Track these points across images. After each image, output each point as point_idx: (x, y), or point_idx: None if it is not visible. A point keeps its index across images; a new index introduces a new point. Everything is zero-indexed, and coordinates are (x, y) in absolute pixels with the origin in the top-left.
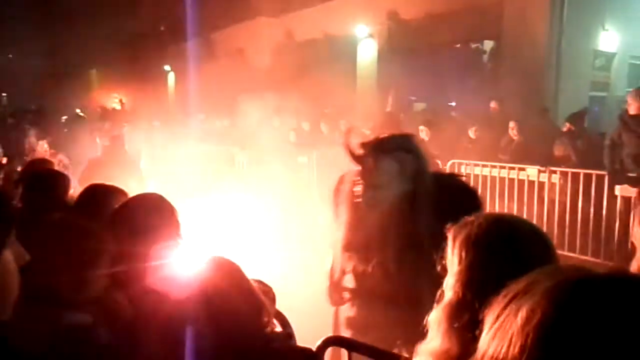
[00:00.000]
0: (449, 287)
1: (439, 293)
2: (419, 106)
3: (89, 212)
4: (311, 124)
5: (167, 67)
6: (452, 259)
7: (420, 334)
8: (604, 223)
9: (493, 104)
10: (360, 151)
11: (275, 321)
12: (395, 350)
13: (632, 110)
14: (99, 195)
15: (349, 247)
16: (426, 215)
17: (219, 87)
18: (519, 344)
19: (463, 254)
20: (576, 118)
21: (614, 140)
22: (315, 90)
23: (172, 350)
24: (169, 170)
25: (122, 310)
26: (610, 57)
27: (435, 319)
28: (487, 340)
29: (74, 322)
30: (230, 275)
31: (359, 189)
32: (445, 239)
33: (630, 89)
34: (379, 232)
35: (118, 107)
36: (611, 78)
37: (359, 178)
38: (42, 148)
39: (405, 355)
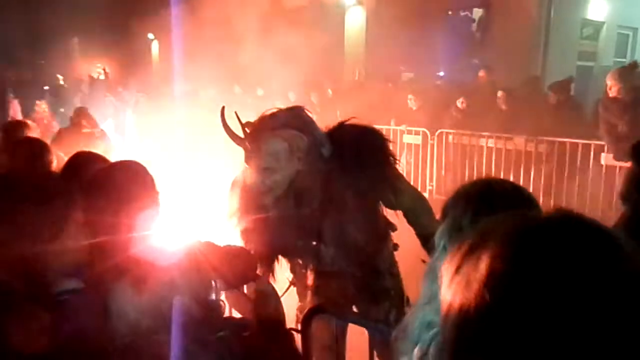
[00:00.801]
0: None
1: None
2: (407, 76)
3: (74, 180)
4: (297, 93)
5: (150, 36)
6: (441, 241)
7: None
8: (589, 192)
9: (481, 73)
10: (243, 133)
11: None
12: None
13: (612, 93)
14: (83, 163)
15: (272, 258)
16: (340, 181)
17: (205, 56)
18: (479, 293)
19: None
20: (561, 87)
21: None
22: (302, 59)
23: (159, 318)
24: (156, 142)
25: (110, 280)
26: (598, 26)
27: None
28: (451, 292)
29: (65, 287)
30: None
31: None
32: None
33: (618, 59)
34: (293, 231)
35: (102, 76)
36: (599, 47)
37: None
38: (40, 108)
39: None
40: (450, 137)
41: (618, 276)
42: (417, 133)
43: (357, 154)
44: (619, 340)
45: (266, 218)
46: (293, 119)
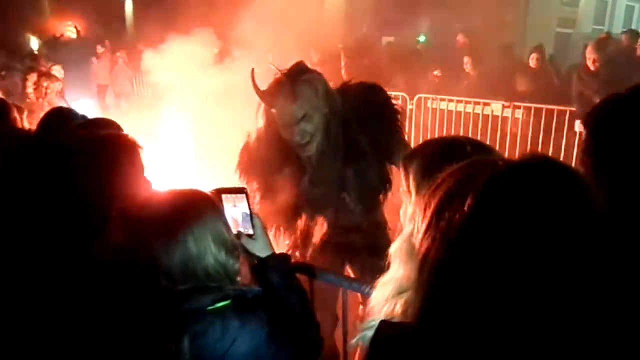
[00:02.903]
0: (408, 217)
1: (398, 225)
2: (387, 40)
3: (50, 137)
4: (275, 55)
5: None
6: (409, 189)
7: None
8: (562, 157)
9: (459, 38)
10: (272, 90)
11: None
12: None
13: (591, 65)
14: (60, 119)
15: (301, 207)
16: (356, 129)
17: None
18: (461, 239)
19: (419, 182)
20: (541, 52)
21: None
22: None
23: (147, 261)
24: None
25: None
26: None
27: (397, 250)
28: (428, 240)
29: None
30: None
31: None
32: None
33: (597, 27)
34: (326, 173)
35: (74, 35)
36: (578, 14)
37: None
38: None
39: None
40: (429, 101)
41: (586, 213)
42: (395, 98)
43: (366, 105)
44: (584, 269)
45: (298, 172)
46: (305, 68)
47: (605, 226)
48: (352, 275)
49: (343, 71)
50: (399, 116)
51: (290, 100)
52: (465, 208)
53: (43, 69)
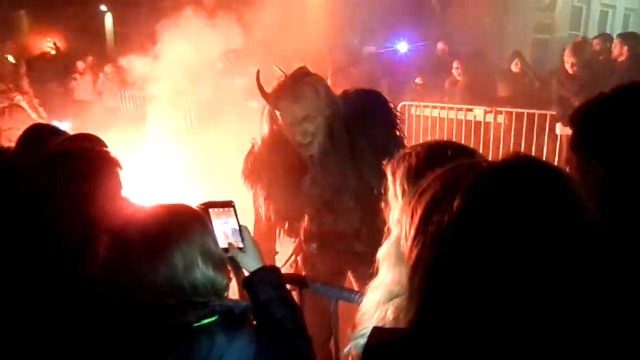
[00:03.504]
0: (395, 221)
1: (385, 228)
2: (369, 50)
3: (30, 154)
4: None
5: (103, 8)
6: (396, 193)
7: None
8: (544, 159)
9: (440, 46)
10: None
11: None
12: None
13: (569, 68)
14: (39, 136)
15: (302, 209)
16: (357, 133)
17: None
18: (452, 242)
19: (405, 187)
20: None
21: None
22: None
23: (131, 276)
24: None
25: None
26: None
27: (385, 254)
28: (419, 246)
29: None
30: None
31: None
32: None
33: (572, 32)
34: (328, 177)
35: (53, 51)
36: (555, 19)
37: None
38: None
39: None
40: (413, 108)
41: (569, 211)
42: None
43: (366, 109)
44: (567, 267)
45: (300, 173)
46: (307, 71)
47: (593, 223)
48: (353, 283)
49: (329, 81)
50: (397, 120)
51: (292, 101)
52: (454, 209)
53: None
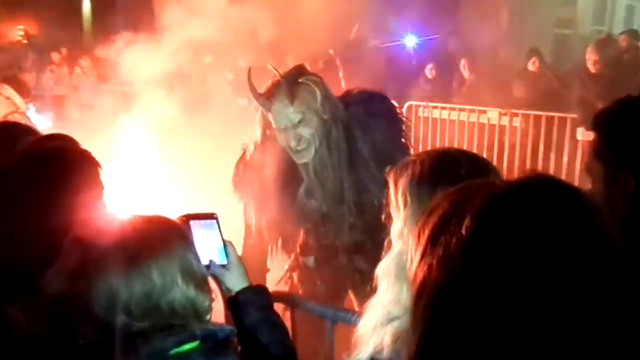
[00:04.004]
0: (396, 234)
1: (386, 242)
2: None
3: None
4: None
5: None
6: (397, 204)
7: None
8: (564, 168)
9: (453, 41)
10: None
11: None
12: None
13: (591, 67)
14: (9, 134)
15: (298, 221)
16: (358, 140)
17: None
18: (459, 266)
19: (408, 197)
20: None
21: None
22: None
23: (104, 294)
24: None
25: None
26: None
27: (384, 271)
28: (424, 269)
29: None
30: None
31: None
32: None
33: (596, 27)
34: (325, 188)
35: (23, 40)
36: (577, 14)
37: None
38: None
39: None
40: (420, 109)
41: (592, 240)
42: None
43: (369, 113)
44: (591, 302)
45: (294, 183)
46: (304, 71)
47: (615, 252)
48: (354, 303)
49: (343, 82)
50: (403, 126)
51: (286, 103)
52: (464, 232)
53: None
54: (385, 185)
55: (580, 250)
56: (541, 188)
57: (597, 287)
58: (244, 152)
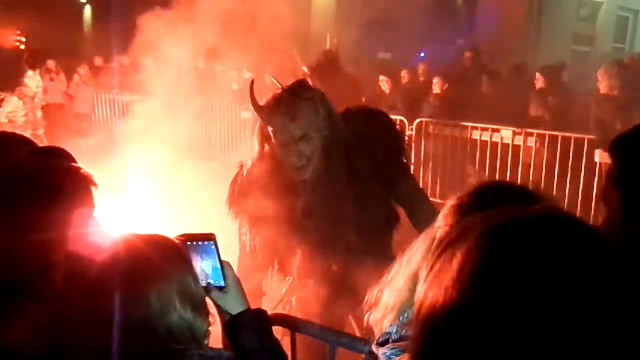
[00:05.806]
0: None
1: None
2: (384, 56)
3: None
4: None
5: None
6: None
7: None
8: (581, 191)
9: (467, 55)
10: (269, 103)
11: None
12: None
13: (602, 89)
14: (6, 145)
15: (297, 231)
16: (358, 158)
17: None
18: (454, 291)
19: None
20: (552, 73)
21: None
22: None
23: (99, 316)
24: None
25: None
26: (596, 6)
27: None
28: (424, 291)
29: None
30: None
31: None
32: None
33: (617, 45)
34: (326, 206)
35: (21, 47)
36: (597, 31)
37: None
38: None
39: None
40: (431, 127)
41: (597, 277)
42: None
43: (369, 131)
44: (596, 337)
45: (292, 200)
46: (307, 86)
47: (627, 292)
48: (355, 329)
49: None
50: (404, 145)
51: (289, 119)
52: (455, 263)
53: None
54: (386, 205)
55: (591, 298)
56: (551, 224)
57: (612, 337)
58: (240, 170)
